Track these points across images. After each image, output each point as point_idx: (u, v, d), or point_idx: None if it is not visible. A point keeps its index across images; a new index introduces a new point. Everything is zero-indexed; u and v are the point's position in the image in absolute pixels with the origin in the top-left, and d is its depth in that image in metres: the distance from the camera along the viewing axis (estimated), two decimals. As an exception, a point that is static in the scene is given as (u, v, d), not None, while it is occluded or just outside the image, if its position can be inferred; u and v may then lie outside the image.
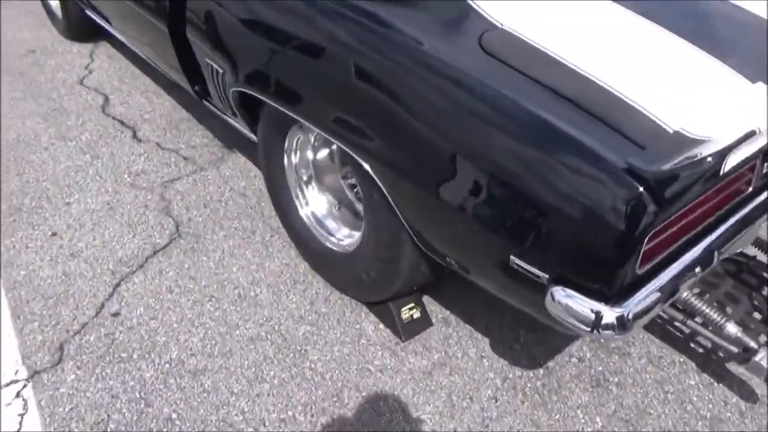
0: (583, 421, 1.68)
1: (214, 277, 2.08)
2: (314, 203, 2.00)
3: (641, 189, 1.07)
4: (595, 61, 1.30)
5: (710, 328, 1.67)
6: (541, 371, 1.81)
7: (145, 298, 2.01)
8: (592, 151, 1.13)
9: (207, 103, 2.29)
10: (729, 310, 1.74)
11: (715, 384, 1.78)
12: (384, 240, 1.66)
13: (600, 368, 1.82)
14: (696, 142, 1.16)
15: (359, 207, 1.96)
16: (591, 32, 1.43)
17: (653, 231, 1.11)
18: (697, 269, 1.26)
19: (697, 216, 1.24)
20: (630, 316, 1.14)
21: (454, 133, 1.30)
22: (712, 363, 1.82)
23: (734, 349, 1.63)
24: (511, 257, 1.24)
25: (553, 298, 1.18)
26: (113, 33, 2.88)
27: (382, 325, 1.92)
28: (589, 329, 1.16)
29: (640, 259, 1.13)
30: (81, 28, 3.37)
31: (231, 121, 2.22)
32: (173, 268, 2.12)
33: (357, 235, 1.86)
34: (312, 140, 1.93)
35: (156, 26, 2.17)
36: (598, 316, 1.14)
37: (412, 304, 1.89)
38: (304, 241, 2.03)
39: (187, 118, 2.89)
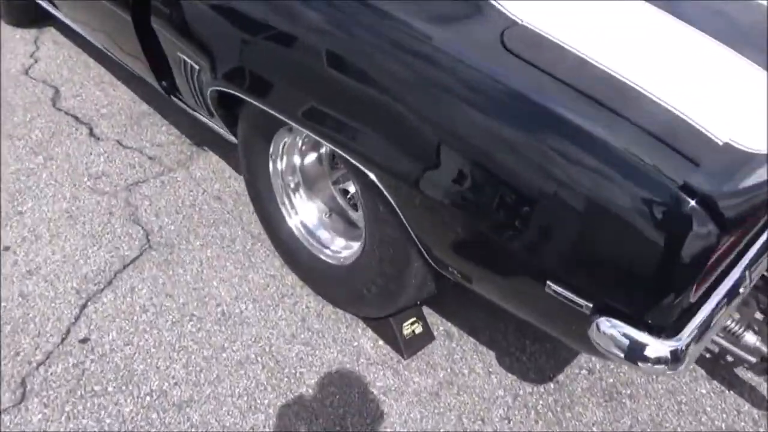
0: (599, 438, 1.61)
1: (194, 293, 1.90)
2: (303, 212, 1.84)
3: (700, 209, 0.97)
4: (629, 64, 1.19)
5: (720, 334, 1.62)
6: (552, 386, 1.72)
7: (116, 320, 1.81)
8: (643, 168, 1.02)
9: (176, 100, 2.08)
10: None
11: (727, 391, 1.74)
12: (389, 255, 1.52)
13: (611, 380, 1.74)
14: (751, 157, 1.07)
15: (352, 215, 1.81)
16: (621, 33, 1.31)
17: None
18: (741, 289, 1.17)
19: (742, 233, 1.16)
20: (684, 348, 1.05)
21: (476, 139, 1.17)
22: (720, 368, 1.78)
23: (752, 359, 1.58)
24: (548, 282, 1.13)
25: (598, 329, 1.07)
26: (63, 19, 2.60)
27: (381, 342, 1.79)
28: (638, 364, 1.06)
29: (695, 285, 1.03)
30: (24, 12, 3.06)
31: (205, 120, 2.02)
32: (146, 284, 1.92)
33: (355, 246, 1.71)
34: (300, 144, 1.76)
35: (117, 14, 1.93)
36: (649, 350, 1.04)
37: (413, 319, 1.76)
38: (294, 253, 1.86)
39: (149, 113, 2.66)
